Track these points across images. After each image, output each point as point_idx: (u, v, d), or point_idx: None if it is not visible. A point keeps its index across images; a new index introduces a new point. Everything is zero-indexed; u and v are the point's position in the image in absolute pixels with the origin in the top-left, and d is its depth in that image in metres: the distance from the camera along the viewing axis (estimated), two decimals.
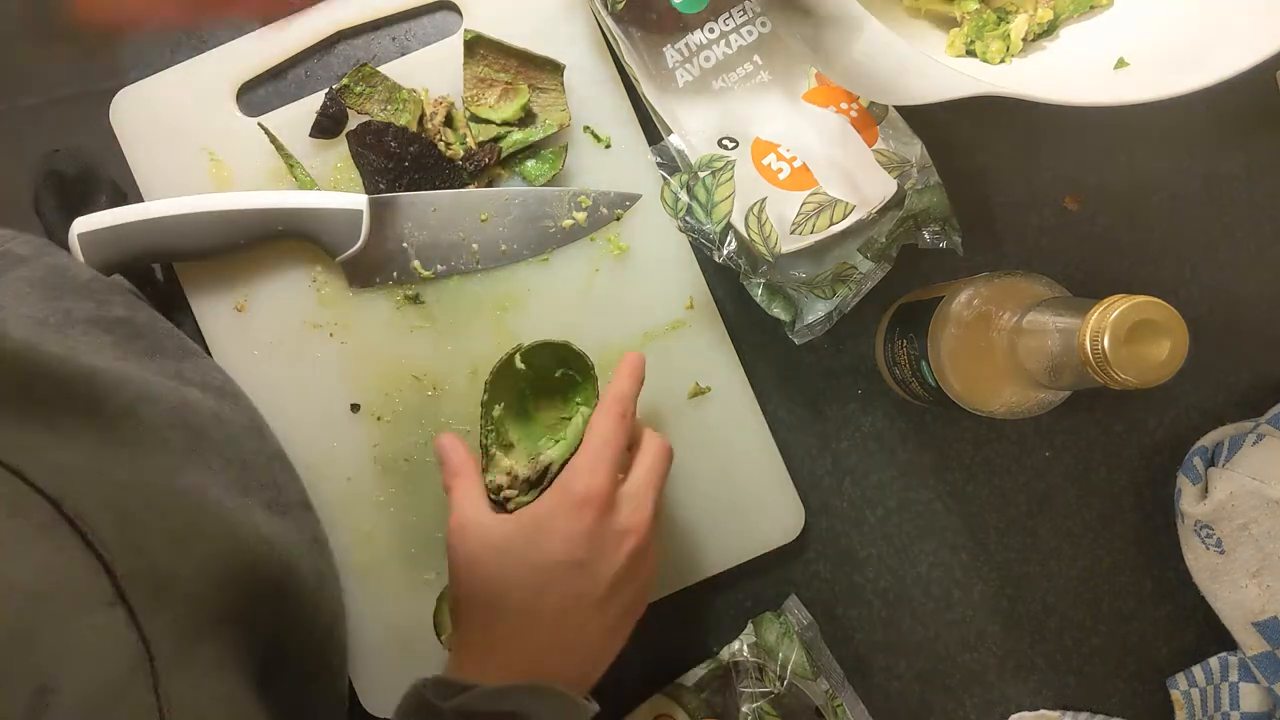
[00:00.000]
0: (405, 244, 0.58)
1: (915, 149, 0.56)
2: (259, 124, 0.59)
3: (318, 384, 0.58)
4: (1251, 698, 0.55)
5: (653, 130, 0.59)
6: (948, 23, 0.58)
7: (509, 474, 0.50)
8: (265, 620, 0.45)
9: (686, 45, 0.57)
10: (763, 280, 0.55)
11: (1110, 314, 0.39)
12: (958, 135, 0.61)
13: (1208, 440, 0.58)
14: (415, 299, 0.59)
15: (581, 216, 0.59)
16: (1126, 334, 0.39)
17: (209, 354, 0.58)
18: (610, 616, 0.47)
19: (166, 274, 0.59)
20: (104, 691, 0.34)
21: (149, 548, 0.39)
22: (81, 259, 0.55)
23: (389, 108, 0.58)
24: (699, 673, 0.58)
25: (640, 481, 0.49)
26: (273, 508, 0.50)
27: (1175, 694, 0.58)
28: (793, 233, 0.54)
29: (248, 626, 0.43)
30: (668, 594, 0.59)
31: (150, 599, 0.37)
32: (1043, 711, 0.59)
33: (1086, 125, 0.61)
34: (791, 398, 0.60)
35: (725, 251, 0.54)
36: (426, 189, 0.58)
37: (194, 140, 0.59)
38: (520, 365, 0.52)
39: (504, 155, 0.58)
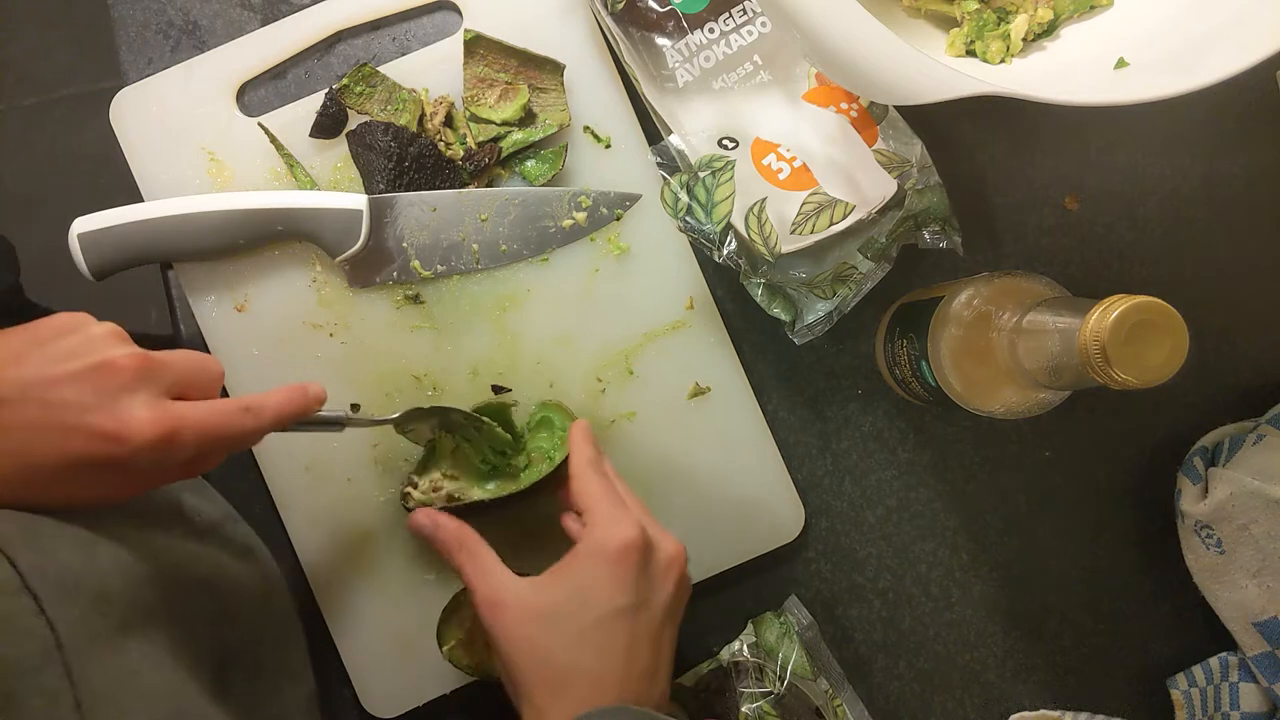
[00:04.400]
0: (405, 244, 0.58)
1: (915, 149, 0.56)
2: (259, 124, 0.59)
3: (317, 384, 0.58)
4: (1251, 698, 0.55)
5: (653, 130, 0.59)
6: (948, 23, 0.58)
7: (435, 488, 0.54)
8: (207, 620, 0.45)
9: (686, 45, 0.57)
10: (763, 280, 0.55)
11: (1110, 314, 0.39)
12: (958, 135, 0.61)
13: (1208, 440, 0.58)
14: (415, 299, 0.59)
15: (581, 216, 0.59)
16: (1126, 334, 0.39)
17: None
18: (671, 635, 0.48)
19: (166, 274, 0.59)
20: (10, 670, 0.35)
21: (54, 548, 0.39)
22: (81, 259, 0.55)
23: (389, 108, 0.58)
24: (699, 673, 0.58)
25: (641, 509, 0.50)
26: (188, 536, 0.50)
27: (1175, 694, 0.58)
28: (793, 233, 0.54)
29: (187, 625, 0.43)
30: None
31: (57, 592, 0.38)
32: (1043, 711, 0.59)
33: (1086, 125, 0.61)
34: (791, 398, 0.60)
35: (725, 251, 0.54)
36: (426, 189, 0.58)
37: (194, 140, 0.59)
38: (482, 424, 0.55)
39: (504, 155, 0.58)
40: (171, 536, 0.48)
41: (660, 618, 0.47)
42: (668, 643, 0.48)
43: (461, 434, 0.56)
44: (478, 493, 0.55)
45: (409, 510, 0.55)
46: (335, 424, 0.51)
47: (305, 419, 0.49)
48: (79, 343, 0.42)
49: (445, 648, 0.54)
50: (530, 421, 0.57)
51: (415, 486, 0.56)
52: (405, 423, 0.54)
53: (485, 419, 0.55)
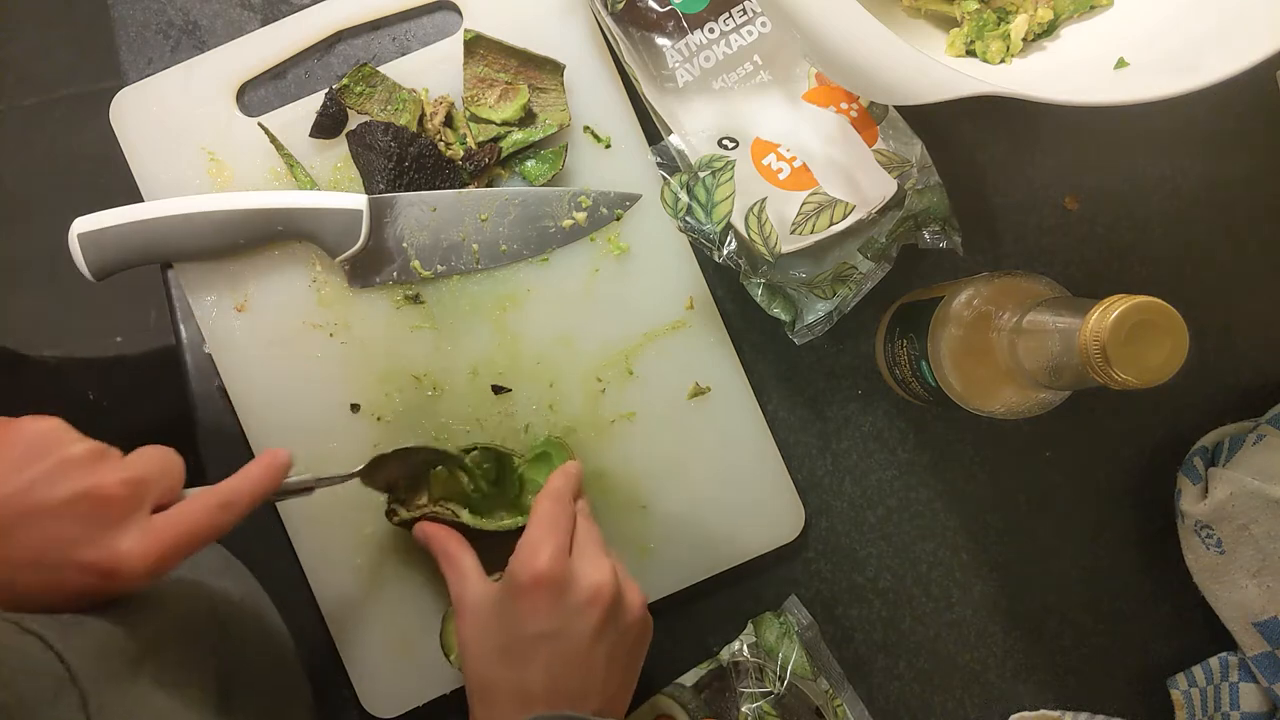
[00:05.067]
0: (405, 244, 0.58)
1: (915, 149, 0.56)
2: (259, 124, 0.59)
3: (318, 384, 0.58)
4: (1251, 698, 0.55)
5: (653, 130, 0.59)
6: (948, 23, 0.58)
7: (421, 507, 0.55)
8: (210, 642, 0.46)
9: (686, 45, 0.57)
10: (763, 280, 0.55)
11: (1110, 314, 0.39)
12: (958, 135, 0.61)
13: (1208, 440, 0.58)
14: (415, 299, 0.59)
15: (581, 216, 0.59)
16: (1126, 334, 0.39)
17: (208, 354, 0.59)
18: (605, 659, 0.48)
19: (166, 274, 0.59)
20: (25, 704, 0.34)
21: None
22: (81, 259, 0.55)
23: (389, 108, 0.58)
24: (699, 673, 0.58)
25: (584, 540, 0.50)
26: None
27: (1175, 694, 0.58)
28: (793, 233, 0.54)
29: (191, 648, 0.44)
30: (668, 594, 0.59)
31: (60, 629, 0.38)
32: (1043, 711, 0.59)
33: (1086, 125, 0.61)
34: (791, 398, 0.60)
35: (725, 251, 0.54)
36: (426, 189, 0.58)
37: (194, 140, 0.59)
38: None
39: (504, 155, 0.58)
40: None
41: (583, 643, 0.47)
42: (600, 666, 0.47)
43: (450, 464, 0.56)
44: (466, 517, 0.55)
45: (394, 522, 0.55)
46: (305, 490, 0.51)
47: (277, 490, 0.49)
48: (59, 466, 0.40)
49: (452, 655, 0.54)
50: (529, 453, 0.57)
51: (403, 504, 0.55)
52: (371, 472, 0.54)
53: (459, 452, 0.55)
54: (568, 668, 0.46)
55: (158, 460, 0.44)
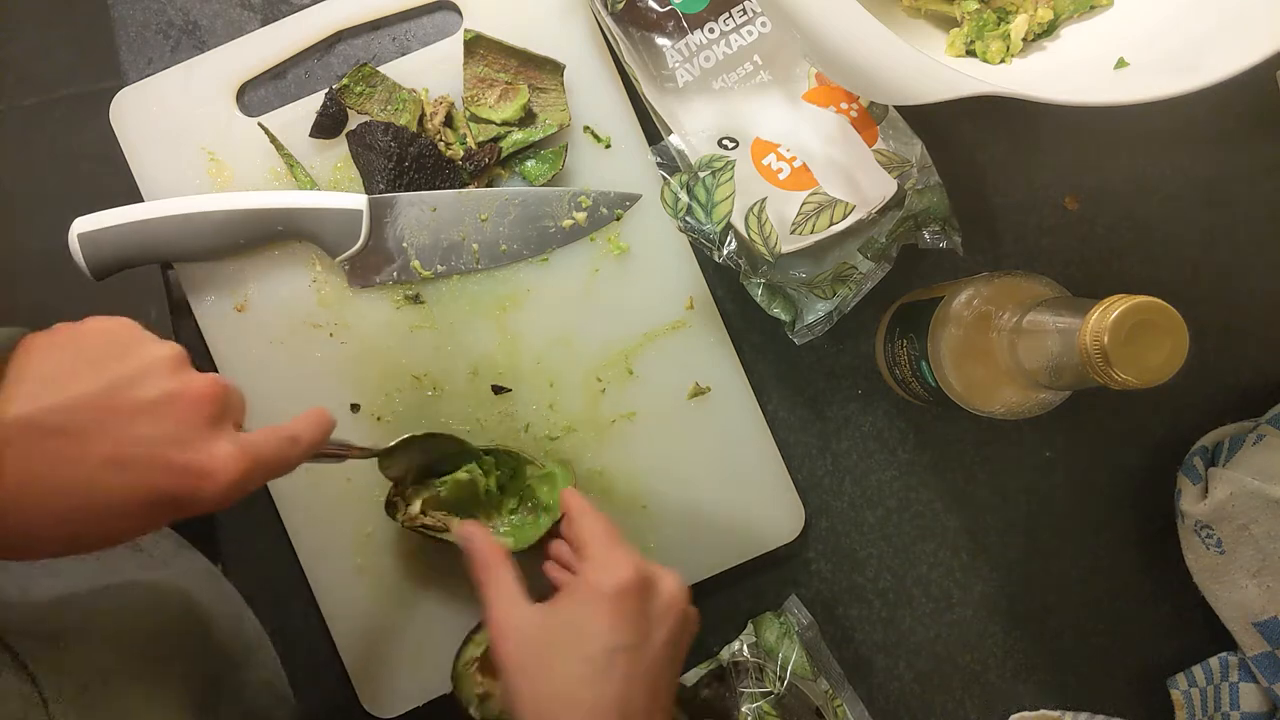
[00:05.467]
0: (405, 244, 0.58)
1: (915, 149, 0.56)
2: (259, 124, 0.59)
3: (318, 384, 0.58)
4: (1251, 698, 0.55)
5: (653, 130, 0.59)
6: (948, 23, 0.58)
7: (422, 502, 0.54)
8: (190, 648, 0.45)
9: (686, 45, 0.57)
10: (763, 280, 0.55)
11: (1110, 314, 0.39)
12: (958, 135, 0.61)
13: (1208, 440, 0.58)
14: (415, 299, 0.59)
15: (581, 216, 0.59)
16: (1126, 334, 0.39)
17: (208, 353, 0.59)
18: (670, 679, 0.47)
19: (166, 274, 0.59)
20: None
21: (38, 609, 0.39)
22: (81, 259, 0.55)
23: (389, 108, 0.58)
24: (699, 673, 0.58)
25: (637, 554, 0.49)
26: (145, 567, 0.50)
27: (1175, 694, 0.58)
28: (793, 233, 0.54)
29: (172, 655, 0.43)
30: None
31: (39, 648, 0.37)
32: (1043, 711, 0.59)
33: (1086, 125, 0.61)
34: (791, 398, 0.60)
35: (725, 251, 0.54)
36: (426, 189, 0.58)
37: (194, 140, 0.59)
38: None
39: (504, 155, 0.58)
40: (140, 572, 0.48)
41: (661, 659, 0.46)
42: (665, 686, 0.46)
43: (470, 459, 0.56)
44: (451, 535, 0.54)
45: (393, 517, 0.55)
46: (338, 457, 0.50)
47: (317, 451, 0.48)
48: (145, 366, 0.38)
49: (471, 708, 0.53)
50: (538, 472, 0.57)
51: (404, 499, 0.55)
52: (396, 452, 0.54)
53: (481, 450, 0.55)
54: (640, 682, 0.45)
55: (229, 382, 0.42)
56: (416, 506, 0.55)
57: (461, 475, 0.55)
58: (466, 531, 0.51)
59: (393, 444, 0.54)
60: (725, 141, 0.56)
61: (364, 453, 0.52)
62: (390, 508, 0.55)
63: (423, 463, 0.56)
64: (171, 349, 0.40)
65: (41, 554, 0.37)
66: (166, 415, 0.37)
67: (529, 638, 0.46)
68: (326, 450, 0.49)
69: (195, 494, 0.37)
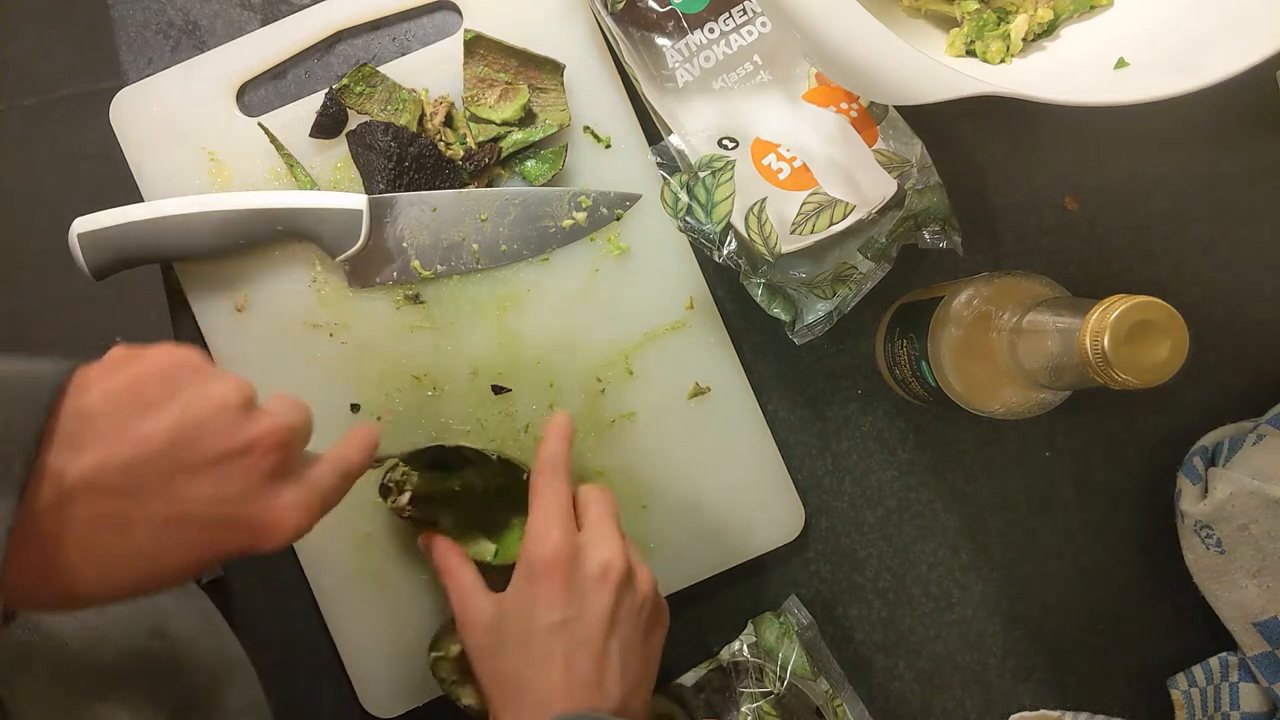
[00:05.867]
0: (405, 244, 0.58)
1: (915, 149, 0.56)
2: (259, 124, 0.59)
3: (318, 384, 0.58)
4: (1251, 698, 0.55)
5: (653, 130, 0.59)
6: (948, 23, 0.58)
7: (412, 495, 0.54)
8: (164, 669, 0.45)
9: (686, 45, 0.57)
10: (763, 280, 0.55)
11: (1110, 314, 0.39)
12: (958, 135, 0.61)
13: (1208, 440, 0.58)
14: (415, 299, 0.59)
15: (581, 216, 0.59)
16: (1126, 334, 0.39)
17: (209, 353, 0.59)
18: (621, 647, 0.47)
19: (166, 274, 0.59)
20: None
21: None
22: (81, 259, 0.55)
23: (389, 108, 0.58)
24: (699, 673, 0.58)
25: (594, 519, 0.49)
26: None
27: (1175, 694, 0.58)
28: (793, 233, 0.54)
29: (145, 678, 0.43)
30: (668, 594, 0.59)
31: (5, 670, 0.36)
32: (1043, 711, 0.59)
33: (1086, 125, 0.61)
34: (791, 398, 0.60)
35: (725, 251, 0.54)
36: (426, 189, 0.58)
37: (194, 140, 0.59)
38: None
39: (504, 155, 0.58)
40: None
41: (599, 629, 0.46)
42: (615, 654, 0.46)
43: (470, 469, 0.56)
44: (446, 525, 0.55)
45: (386, 499, 0.55)
46: (374, 464, 0.50)
47: None
48: (209, 414, 0.36)
49: (439, 675, 0.54)
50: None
51: (399, 487, 0.55)
52: (417, 457, 0.54)
53: (493, 456, 0.55)
54: (585, 655, 0.46)
55: (297, 408, 0.41)
56: (405, 498, 0.55)
57: (454, 485, 0.55)
58: (424, 542, 0.54)
59: (414, 450, 0.54)
60: (725, 141, 0.56)
61: (387, 459, 0.52)
62: (384, 491, 0.55)
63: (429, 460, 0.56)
64: (236, 390, 0.37)
65: (94, 605, 0.35)
66: (232, 473, 0.35)
67: (486, 625, 0.48)
68: None
69: (256, 547, 0.37)
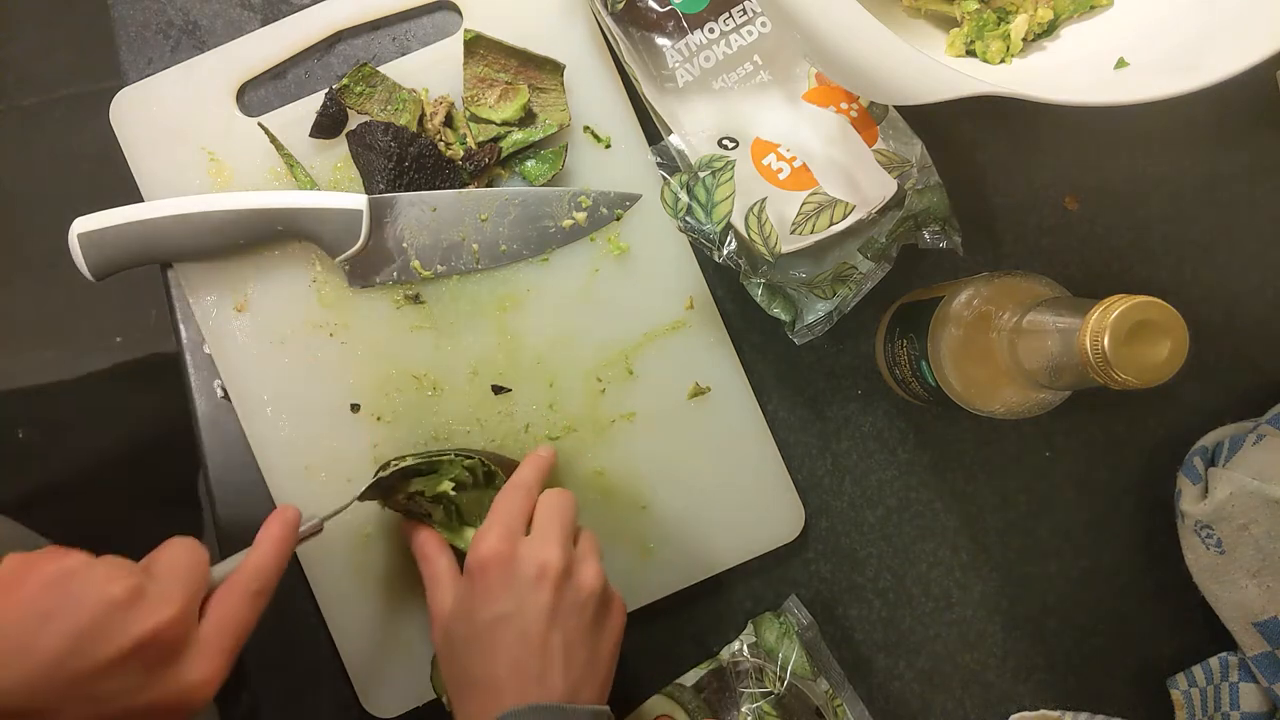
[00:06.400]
0: (405, 244, 0.58)
1: (915, 149, 0.56)
2: (259, 124, 0.59)
3: (318, 384, 0.58)
4: (1251, 698, 0.55)
5: (653, 130, 0.59)
6: (948, 23, 0.58)
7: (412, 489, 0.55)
8: None
9: (686, 45, 0.57)
10: (763, 280, 0.55)
11: (1110, 314, 0.39)
12: (958, 135, 0.61)
13: (1208, 440, 0.58)
14: (415, 299, 0.59)
15: (581, 216, 0.59)
16: (1127, 334, 0.39)
17: (209, 354, 0.59)
18: (563, 638, 0.47)
19: (166, 274, 0.59)
20: None
21: None
22: (81, 259, 0.55)
23: (389, 108, 0.58)
24: (699, 673, 0.58)
25: (540, 522, 0.50)
26: None
27: (1175, 694, 0.58)
28: (793, 233, 0.54)
29: None
30: (668, 594, 0.59)
31: None
32: (1043, 711, 0.59)
33: (1086, 125, 0.61)
34: (791, 398, 0.60)
35: (725, 251, 0.54)
36: (426, 189, 0.58)
37: (194, 140, 0.59)
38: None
39: (504, 155, 0.58)
40: None
41: (536, 623, 0.47)
42: (558, 647, 0.47)
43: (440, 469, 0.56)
44: (438, 516, 0.55)
45: (377, 487, 0.54)
46: (316, 532, 0.52)
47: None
48: (98, 617, 0.37)
49: (444, 697, 0.54)
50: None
51: (402, 492, 0.55)
52: (370, 494, 0.54)
53: (452, 456, 0.55)
54: (526, 649, 0.47)
55: (186, 559, 0.43)
56: (400, 497, 0.55)
57: (428, 485, 0.55)
58: (405, 529, 0.55)
59: (361, 491, 0.54)
60: (725, 141, 0.56)
61: (337, 512, 0.53)
62: (380, 490, 0.55)
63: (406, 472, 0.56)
64: (121, 585, 0.39)
65: None
66: (133, 667, 0.37)
67: (444, 619, 0.50)
68: (301, 536, 0.50)
69: (185, 712, 0.39)
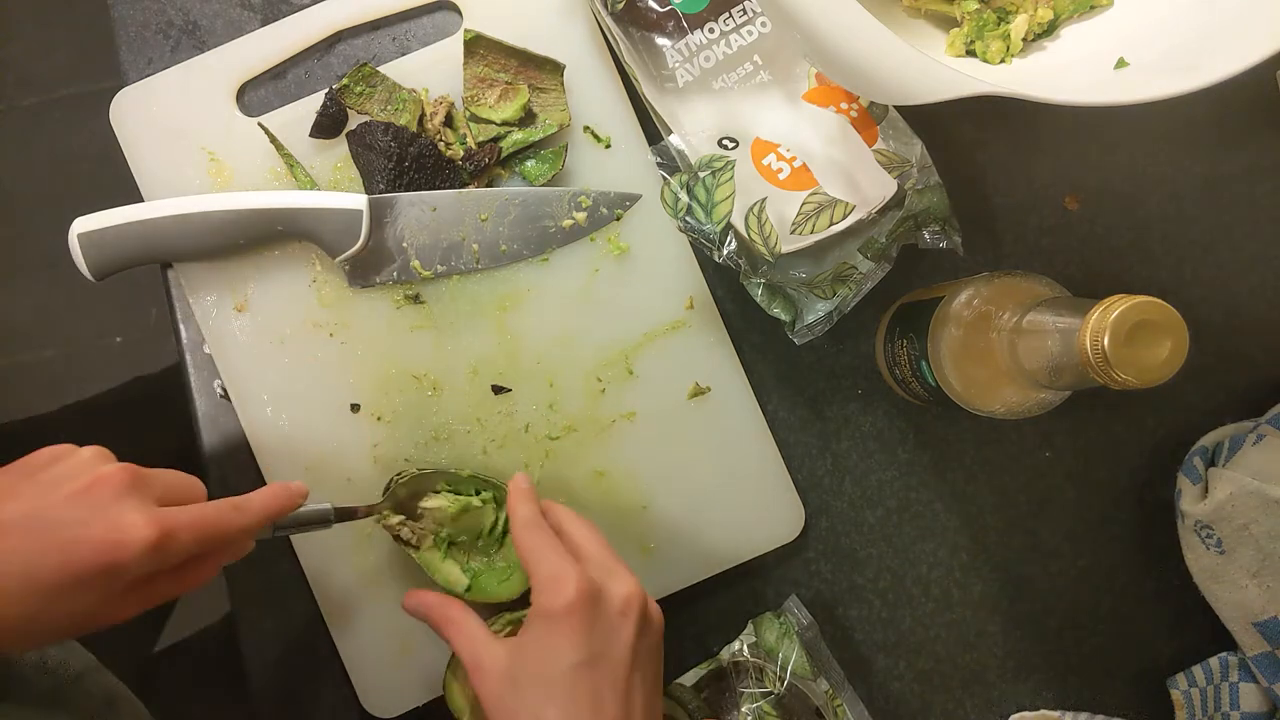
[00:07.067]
0: (405, 244, 0.58)
1: (915, 149, 0.56)
2: (259, 124, 0.59)
3: (318, 384, 0.58)
4: (1251, 698, 0.55)
5: (653, 130, 0.59)
6: (948, 23, 0.58)
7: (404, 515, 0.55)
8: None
9: (686, 45, 0.57)
10: (763, 280, 0.55)
11: (1110, 314, 0.39)
12: (958, 135, 0.61)
13: (1208, 440, 0.58)
14: (415, 299, 0.59)
15: (581, 216, 0.59)
16: (1127, 334, 0.39)
17: (209, 353, 0.59)
18: (643, 681, 0.47)
19: (166, 274, 0.59)
20: None
21: None
22: (81, 259, 0.55)
23: (389, 108, 0.58)
24: (699, 673, 0.58)
25: (596, 553, 0.49)
26: (48, 698, 0.53)
27: (1175, 694, 0.58)
28: (793, 233, 0.54)
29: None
30: (668, 594, 0.59)
31: None
32: (1043, 711, 0.59)
33: (1086, 125, 0.61)
34: (791, 398, 0.60)
35: (725, 251, 0.54)
36: (426, 189, 0.58)
37: (194, 140, 0.59)
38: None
39: (504, 155, 0.58)
40: (28, 709, 0.51)
41: (624, 664, 0.46)
42: (638, 688, 0.46)
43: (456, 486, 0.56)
44: (422, 554, 0.55)
45: (394, 496, 0.55)
46: (322, 522, 0.51)
47: (293, 519, 0.50)
48: (69, 468, 0.44)
49: (465, 718, 0.54)
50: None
51: (400, 515, 0.55)
52: (396, 504, 0.55)
53: (467, 476, 0.55)
54: (611, 693, 0.45)
55: (170, 471, 0.47)
56: (396, 520, 0.55)
57: (442, 503, 0.55)
58: (410, 604, 0.53)
59: (380, 500, 0.54)
60: (725, 141, 0.56)
61: (351, 513, 0.53)
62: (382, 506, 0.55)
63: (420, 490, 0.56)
64: (92, 450, 0.45)
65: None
66: (81, 500, 0.43)
67: (501, 674, 0.47)
68: (304, 516, 0.50)
69: (112, 562, 0.41)
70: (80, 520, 0.42)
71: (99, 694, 0.56)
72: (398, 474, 0.55)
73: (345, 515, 0.52)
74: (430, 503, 0.55)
